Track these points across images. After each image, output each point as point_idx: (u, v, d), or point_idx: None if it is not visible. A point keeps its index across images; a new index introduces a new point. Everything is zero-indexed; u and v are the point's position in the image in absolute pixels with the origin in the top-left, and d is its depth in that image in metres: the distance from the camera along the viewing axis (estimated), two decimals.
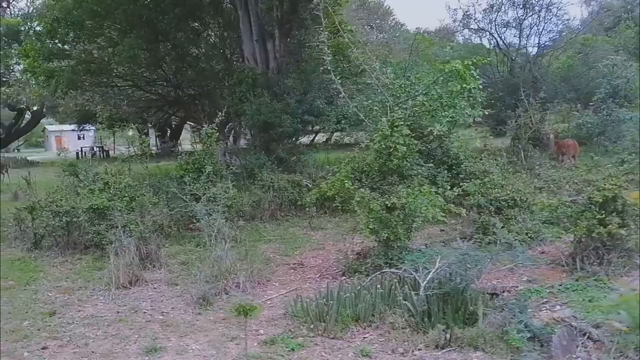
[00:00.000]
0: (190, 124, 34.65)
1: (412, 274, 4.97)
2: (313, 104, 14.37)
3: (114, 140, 57.40)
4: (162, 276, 6.67)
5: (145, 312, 5.45)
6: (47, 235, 8.15)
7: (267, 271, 6.55)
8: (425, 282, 4.70)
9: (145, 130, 27.91)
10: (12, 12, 33.84)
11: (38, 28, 19.06)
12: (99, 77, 18.52)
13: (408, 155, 6.10)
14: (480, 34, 25.33)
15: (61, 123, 66.16)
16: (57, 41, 17.81)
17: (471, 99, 6.05)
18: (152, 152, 9.94)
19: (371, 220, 5.88)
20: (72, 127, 68.45)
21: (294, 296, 5.61)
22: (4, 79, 36.59)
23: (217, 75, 19.70)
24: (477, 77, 6.09)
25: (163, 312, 5.44)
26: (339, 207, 7.14)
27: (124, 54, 17.44)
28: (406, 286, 4.80)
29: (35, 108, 35.52)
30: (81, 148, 44.07)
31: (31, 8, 28.95)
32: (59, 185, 8.98)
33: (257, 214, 9.96)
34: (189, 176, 8.97)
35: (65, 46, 18.07)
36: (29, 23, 22.20)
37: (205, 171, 9.00)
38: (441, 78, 6.39)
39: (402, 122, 5.91)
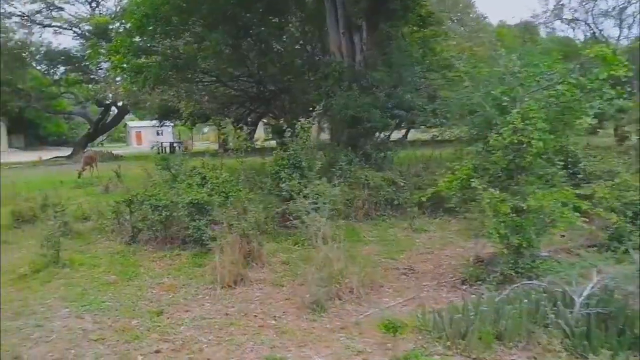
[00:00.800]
0: (263, 121, 35.01)
1: (560, 288, 4.33)
2: (403, 97, 13.75)
3: (192, 136, 59.16)
4: (266, 276, 6.33)
5: (256, 316, 5.10)
6: (145, 229, 8.03)
7: (377, 275, 6.05)
8: (582, 298, 4.05)
9: (224, 127, 28.32)
10: (100, 11, 35.32)
11: (127, 25, 19.56)
12: (184, 72, 18.71)
13: (543, 151, 5.42)
14: (574, 24, 23.78)
15: (140, 119, 68.91)
16: (145, 37, 18.14)
17: (618, 87, 5.29)
18: (253, 145, 9.71)
19: (501, 223, 5.26)
20: (151, 123, 71.24)
21: (414, 306, 5.11)
22: (93, 77, 38.32)
23: (299, 70, 19.48)
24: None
25: (275, 316, 5.07)
26: (454, 208, 6.54)
27: (210, 49, 17.59)
28: (558, 302, 4.16)
29: (120, 104, 36.83)
30: (161, 143, 45.55)
31: (118, 7, 30.08)
32: (156, 179, 8.85)
33: (350, 212, 9.51)
34: (284, 172, 8.63)
35: (153, 42, 18.36)
36: (117, 21, 22.92)
37: (300, 167, 8.70)
38: (578, 66, 5.66)
39: (537, 115, 5.24)
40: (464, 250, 7.25)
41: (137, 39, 18.32)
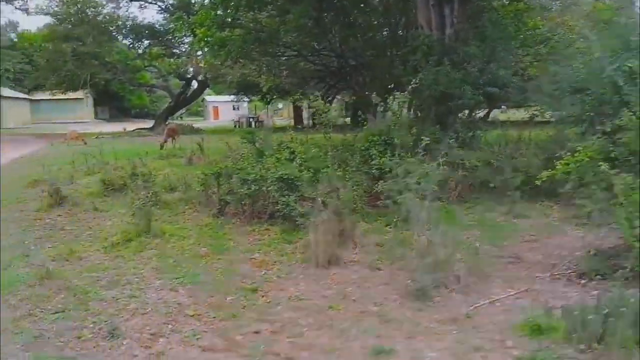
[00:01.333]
0: (337, 97, 34.67)
1: None
2: (497, 74, 12.91)
3: (268, 111, 59.79)
4: (360, 257, 6.00)
5: (355, 301, 4.79)
6: (233, 202, 7.89)
7: (483, 263, 5.56)
8: None
9: (313, 101, 28.12)
10: None
11: None
12: (266, 46, 18.57)
13: None
14: None
15: (217, 94, 70.36)
16: (229, 10, 18.09)
17: None
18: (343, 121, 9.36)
19: (633, 213, 4.63)
20: (228, 98, 72.64)
21: (529, 300, 4.61)
22: (175, 51, 39.22)
23: (382, 44, 18.87)
24: None
25: (375, 302, 4.74)
26: (571, 193, 5.90)
27: (293, 22, 17.30)
28: None
29: (200, 78, 37.52)
30: (239, 118, 46.30)
31: None
32: (245, 152, 8.68)
33: (442, 194, 8.96)
34: (375, 149, 8.22)
35: (237, 15, 18.27)
36: None
37: (392, 144, 8.26)
38: None
39: None
40: (573, 239, 6.60)
41: (220, 12, 18.34)
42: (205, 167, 14.49)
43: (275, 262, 5.95)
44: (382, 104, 8.42)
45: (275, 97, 33.81)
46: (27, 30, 62.04)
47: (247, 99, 53.78)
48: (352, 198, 7.81)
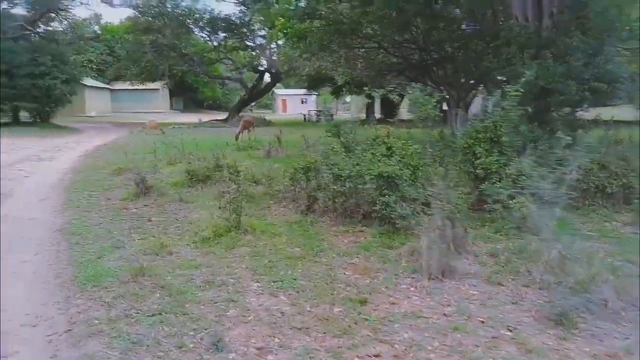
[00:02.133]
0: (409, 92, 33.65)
1: None
2: (604, 68, 11.78)
3: (336, 105, 59.43)
4: (476, 269, 5.36)
5: (483, 322, 4.17)
6: (325, 199, 7.42)
7: (628, 285, 4.79)
8: None
9: (411, 93, 27.47)
10: None
11: None
12: (347, 38, 18.06)
13: None
14: None
15: (286, 87, 70.79)
16: (311, 1, 17.70)
17: None
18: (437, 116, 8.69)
19: None
20: (297, 91, 72.92)
21: None
22: (249, 44, 39.50)
23: (468, 36, 17.92)
24: None
25: (508, 325, 4.10)
26: None
27: (376, 13, 16.67)
28: None
29: (273, 71, 37.56)
30: (308, 111, 46.17)
31: None
32: (334, 147, 8.18)
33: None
34: (480, 147, 7.52)
35: (318, 5, 17.85)
36: None
37: (499, 142, 7.54)
38: None
39: None
40: None
41: (301, 3, 18.00)
42: (284, 160, 14.24)
43: (379, 269, 5.41)
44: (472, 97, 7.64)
45: (350, 90, 33.24)
46: (110, 22, 64.65)
47: (317, 93, 53.59)
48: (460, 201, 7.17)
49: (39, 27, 34.23)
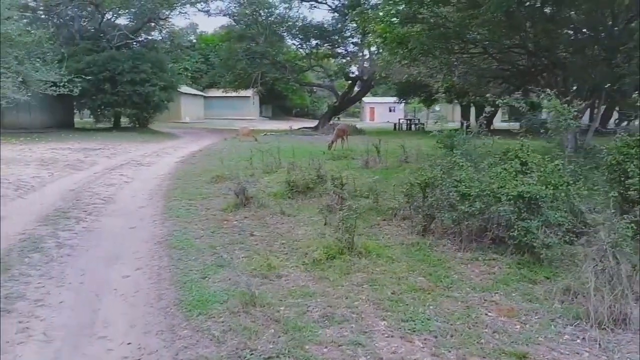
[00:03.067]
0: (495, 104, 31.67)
1: None
2: None
3: (427, 113, 57.98)
4: None
5: None
6: (449, 220, 6.55)
7: None
8: None
9: (548, 99, 26.05)
10: None
11: None
12: (450, 42, 17.03)
13: None
14: None
15: (373, 95, 70.03)
16: (413, 3, 16.84)
17: None
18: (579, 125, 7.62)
19: None
20: (384, 99, 71.98)
21: None
22: (340, 51, 39.11)
23: (584, 40, 16.32)
24: None
25: None
26: None
27: (485, 14, 15.53)
28: None
29: (365, 78, 36.92)
30: (399, 120, 45.15)
31: None
32: (458, 161, 7.29)
33: None
34: (632, 164, 6.36)
35: (422, 9, 16.96)
36: None
37: None
38: None
39: None
40: None
41: (402, 6, 17.18)
42: (384, 171, 13.48)
43: (528, 311, 4.50)
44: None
45: (448, 98, 31.93)
46: (205, 32, 66.99)
47: (405, 101, 52.34)
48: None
49: (140, 36, 35.70)
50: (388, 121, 63.76)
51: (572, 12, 16.87)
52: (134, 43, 34.29)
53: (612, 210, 5.29)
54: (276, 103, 71.23)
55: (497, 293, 4.92)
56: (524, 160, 6.41)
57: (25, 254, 6.41)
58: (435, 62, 19.05)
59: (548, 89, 7.46)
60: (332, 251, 5.95)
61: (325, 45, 39.06)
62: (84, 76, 24.15)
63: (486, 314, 4.44)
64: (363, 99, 71.41)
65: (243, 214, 8.71)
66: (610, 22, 15.83)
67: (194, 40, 65.53)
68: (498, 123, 43.24)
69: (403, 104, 72.03)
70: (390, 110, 75.79)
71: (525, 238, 5.49)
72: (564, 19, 16.28)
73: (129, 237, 7.59)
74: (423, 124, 42.83)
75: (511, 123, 38.67)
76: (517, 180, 5.97)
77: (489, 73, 19.90)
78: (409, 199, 7.24)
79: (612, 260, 4.25)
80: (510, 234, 5.72)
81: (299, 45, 40.37)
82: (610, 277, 4.18)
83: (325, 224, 7.53)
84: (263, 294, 4.87)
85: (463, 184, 6.28)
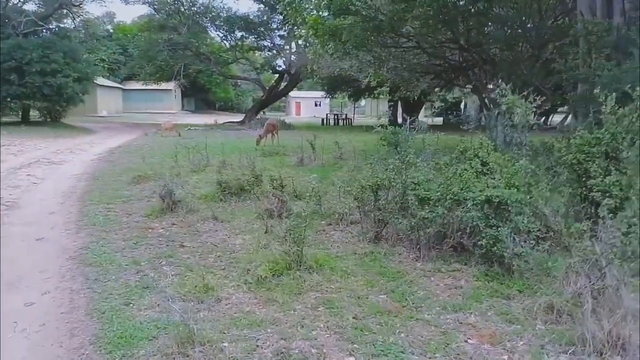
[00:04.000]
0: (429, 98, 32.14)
1: None
2: None
3: (354, 109, 58.16)
4: None
5: None
6: (405, 227, 5.94)
7: None
8: None
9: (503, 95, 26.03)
10: None
11: None
12: (384, 36, 16.61)
13: None
14: None
15: (299, 90, 69.52)
16: None
17: None
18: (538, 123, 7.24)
19: None
20: (310, 94, 71.68)
21: None
22: (266, 44, 38.13)
23: (514, 36, 16.44)
24: None
25: None
26: None
27: (420, 8, 15.22)
28: None
29: (292, 72, 36.17)
30: (326, 114, 44.77)
31: None
32: (413, 161, 6.67)
33: None
34: (594, 163, 6.04)
35: (355, 0, 16.39)
36: None
37: (616, 158, 6.07)
38: None
39: None
40: None
41: None
42: (321, 169, 12.81)
43: (511, 335, 3.93)
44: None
45: (375, 93, 31.79)
46: (123, 21, 63.70)
47: (332, 96, 52.00)
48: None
49: (51, 23, 33.03)
50: (314, 116, 63.48)
51: (502, 9, 16.97)
52: (44, 30, 31.64)
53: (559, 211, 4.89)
54: (199, 96, 69.03)
55: (471, 313, 4.34)
56: (484, 160, 5.90)
57: None
58: (367, 55, 18.63)
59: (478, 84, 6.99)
60: (278, 266, 5.18)
61: (251, 37, 37.96)
62: None
63: (466, 341, 3.84)
64: (289, 93, 70.80)
65: (170, 220, 7.75)
66: (538, 20, 16.04)
67: (111, 30, 62.17)
68: (421, 118, 43.79)
69: (329, 99, 72.06)
70: (316, 105, 75.62)
71: (495, 247, 4.96)
72: (495, 16, 16.30)
73: (36, 252, 6.45)
74: (350, 119, 42.71)
75: (435, 119, 39.24)
76: (480, 183, 5.45)
77: (420, 68, 19.72)
78: (359, 203, 6.57)
79: (611, 278, 3.76)
80: (477, 242, 5.18)
81: (224, 37, 38.98)
82: (609, 297, 3.69)
83: (266, 232, 6.73)
84: (201, 325, 4.02)
85: (421, 186, 5.69)
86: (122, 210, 8.54)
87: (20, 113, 29.99)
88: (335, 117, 42.19)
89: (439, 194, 5.51)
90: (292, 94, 73.56)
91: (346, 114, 44.19)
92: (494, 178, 5.54)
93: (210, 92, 67.81)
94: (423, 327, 4.07)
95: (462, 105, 41.57)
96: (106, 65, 54.18)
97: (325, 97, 65.68)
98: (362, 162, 12.96)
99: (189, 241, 6.69)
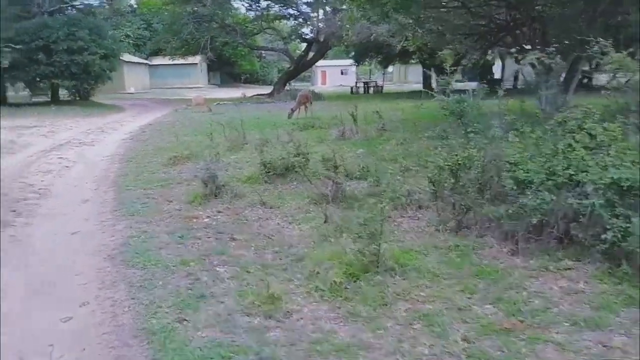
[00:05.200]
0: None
1: None
2: None
3: (384, 76, 56.63)
4: None
5: None
6: (506, 216, 4.98)
7: None
8: None
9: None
10: None
11: None
12: None
13: None
14: None
15: (323, 58, 67.90)
16: None
17: None
18: None
19: None
20: (336, 63, 70.10)
21: None
22: (293, 11, 36.80)
23: None
24: None
25: None
26: None
27: None
28: None
29: (321, 40, 34.87)
30: (355, 83, 43.47)
31: None
32: (500, 135, 5.69)
33: None
34: None
35: None
36: None
37: None
38: None
39: None
40: None
41: None
42: (365, 143, 11.86)
43: None
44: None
45: (423, 58, 30.28)
46: None
47: (359, 63, 50.42)
48: None
49: (75, 0, 32.32)
50: (341, 84, 62.05)
51: None
52: (69, 8, 30.96)
53: None
54: (224, 70, 68.10)
55: (611, 330, 3.43)
56: (593, 133, 4.89)
57: None
58: (407, 18, 17.37)
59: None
60: (352, 268, 4.33)
61: (276, 5, 36.67)
62: (13, 45, 21.21)
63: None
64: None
65: (215, 207, 6.97)
66: None
67: (135, 5, 61.28)
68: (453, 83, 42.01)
69: (355, 67, 70.34)
70: (342, 73, 74.01)
71: (625, 242, 4.00)
72: None
73: (70, 249, 5.75)
74: (381, 87, 41.29)
75: (469, 83, 37.61)
76: (593, 161, 4.47)
77: (462, 29, 18.35)
78: (436, 186, 5.63)
79: None
80: (597, 234, 4.21)
81: (248, 7, 37.78)
82: None
83: (325, 222, 5.89)
84: (276, 351, 3.22)
85: (519, 167, 4.73)
86: (161, 196, 7.81)
87: (49, 93, 29.55)
88: (365, 85, 40.83)
89: (543, 176, 4.54)
90: (317, 63, 72.10)
91: (376, 82, 42.66)
92: (609, 154, 4.53)
93: (235, 65, 66.80)
94: (558, 354, 3.19)
95: (494, 69, 39.78)
96: (131, 41, 53.50)
97: (350, 66, 64.13)
98: (410, 134, 12.01)
99: (239, 232, 5.90)
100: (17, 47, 21.70)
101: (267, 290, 4.04)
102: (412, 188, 6.39)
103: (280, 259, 5.02)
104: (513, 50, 18.47)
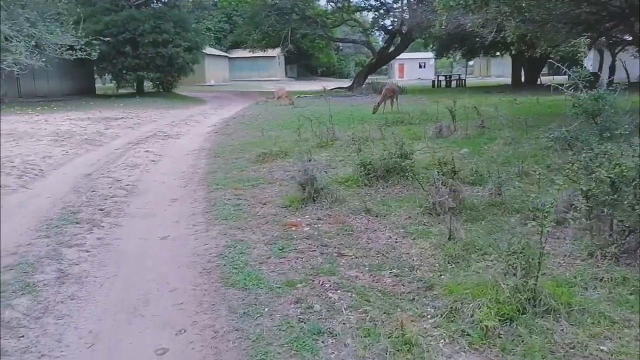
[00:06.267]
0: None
1: None
2: None
3: (466, 69, 54.51)
4: None
5: None
6: None
7: None
8: None
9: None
10: None
11: None
12: None
13: None
14: None
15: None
16: None
17: None
18: None
19: None
20: (415, 55, 68.32)
21: None
22: (374, 3, 35.78)
23: None
24: None
25: None
26: None
27: None
28: None
29: (404, 31, 33.65)
30: (437, 76, 41.90)
31: None
32: None
33: None
34: None
35: None
36: None
37: None
38: None
39: None
40: None
41: None
42: (468, 142, 10.84)
43: None
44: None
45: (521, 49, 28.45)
46: None
47: (439, 56, 48.65)
48: None
49: None
50: (419, 78, 60.37)
51: None
52: (154, 1, 31.59)
53: None
54: (302, 62, 68.10)
55: None
56: None
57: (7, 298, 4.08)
58: (506, 7, 15.99)
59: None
60: (505, 308, 3.46)
61: None
62: (102, 38, 21.72)
63: None
64: None
65: (314, 214, 6.29)
66: None
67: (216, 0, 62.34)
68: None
69: (434, 60, 68.37)
70: (420, 67, 72.24)
71: None
72: None
73: (161, 257, 5.23)
74: (464, 80, 39.51)
75: (556, 77, 35.07)
76: None
77: (569, 18, 16.73)
78: (591, 201, 4.61)
79: None
80: None
81: None
82: None
83: (450, 239, 5.03)
84: None
85: None
86: (254, 197, 7.22)
87: (135, 85, 30.28)
88: (447, 78, 39.22)
89: None
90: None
91: (459, 75, 40.91)
92: None
93: (312, 58, 66.60)
94: None
95: (585, 63, 37.02)
96: (212, 34, 54.40)
97: (432, 58, 62.28)
98: (516, 132, 10.92)
99: (347, 247, 5.17)
100: (106, 39, 22.15)
101: (402, 333, 3.26)
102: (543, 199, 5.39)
103: (403, 285, 4.22)
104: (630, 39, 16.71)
